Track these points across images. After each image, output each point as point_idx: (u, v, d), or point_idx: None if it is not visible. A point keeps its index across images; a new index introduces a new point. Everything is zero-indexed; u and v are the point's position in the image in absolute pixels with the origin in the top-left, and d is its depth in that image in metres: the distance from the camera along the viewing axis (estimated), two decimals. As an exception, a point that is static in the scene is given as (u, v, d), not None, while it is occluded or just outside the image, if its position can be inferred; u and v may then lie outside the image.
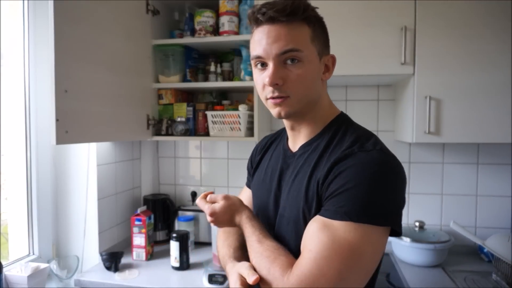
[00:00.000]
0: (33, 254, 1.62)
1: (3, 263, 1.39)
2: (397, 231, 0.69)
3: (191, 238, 1.74)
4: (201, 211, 1.86)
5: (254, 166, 1.01)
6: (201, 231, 1.85)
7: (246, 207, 0.85)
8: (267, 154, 0.97)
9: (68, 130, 1.18)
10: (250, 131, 1.65)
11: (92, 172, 1.62)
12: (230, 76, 1.73)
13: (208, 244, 1.80)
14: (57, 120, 1.14)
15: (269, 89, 0.74)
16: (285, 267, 0.68)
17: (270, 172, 0.90)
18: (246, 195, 1.04)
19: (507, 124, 1.36)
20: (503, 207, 1.69)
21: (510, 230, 1.63)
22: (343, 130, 0.77)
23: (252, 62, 0.78)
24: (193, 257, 1.62)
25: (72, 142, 1.22)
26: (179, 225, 1.79)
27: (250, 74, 1.61)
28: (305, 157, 0.80)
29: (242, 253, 0.85)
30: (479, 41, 1.36)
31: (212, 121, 1.66)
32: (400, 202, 0.70)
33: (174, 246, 1.54)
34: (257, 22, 0.74)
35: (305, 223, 0.73)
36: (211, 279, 1.40)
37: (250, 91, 1.74)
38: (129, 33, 1.52)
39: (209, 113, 1.66)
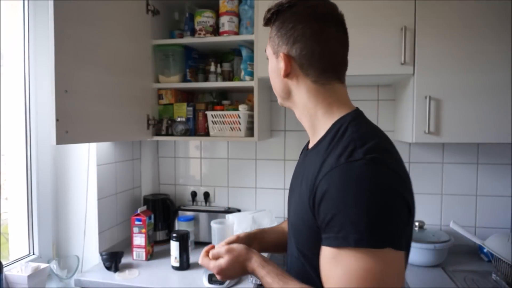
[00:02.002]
0: (33, 254, 1.62)
1: (3, 263, 1.39)
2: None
3: (191, 238, 1.74)
4: (201, 211, 1.87)
5: None
6: (201, 231, 1.85)
7: (254, 253, 0.80)
8: (300, 156, 0.95)
9: (68, 130, 1.18)
10: (250, 131, 1.65)
11: (92, 172, 1.62)
12: (230, 76, 1.73)
13: (208, 244, 1.80)
14: (57, 120, 1.14)
15: None
16: None
17: (293, 175, 0.89)
18: None
19: (507, 124, 1.36)
20: (503, 207, 1.69)
21: (510, 230, 1.63)
22: (342, 131, 0.71)
23: None
24: (193, 257, 1.62)
25: (72, 142, 1.22)
26: (179, 225, 1.79)
27: (250, 74, 1.62)
28: (308, 160, 0.78)
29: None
30: (479, 41, 1.36)
31: (212, 121, 1.66)
32: (394, 220, 0.61)
33: (174, 246, 1.54)
34: None
35: (303, 233, 0.73)
36: (211, 279, 1.40)
37: (250, 91, 1.74)
38: (129, 33, 1.52)
39: (209, 113, 1.67)
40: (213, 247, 0.84)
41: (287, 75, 0.77)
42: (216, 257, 0.81)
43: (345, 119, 0.73)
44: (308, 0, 0.76)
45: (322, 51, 0.73)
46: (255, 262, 0.78)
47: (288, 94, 0.80)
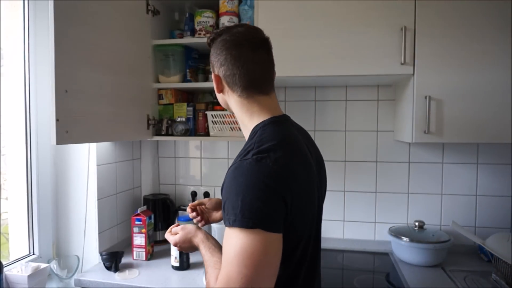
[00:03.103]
0: (34, 254, 1.62)
1: (4, 262, 1.39)
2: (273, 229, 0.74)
3: (191, 238, 1.74)
4: (201, 211, 1.88)
5: None
6: (201, 231, 1.85)
7: (200, 230, 1.00)
8: None
9: (68, 130, 1.18)
10: (250, 131, 1.65)
11: (92, 172, 1.62)
12: (230, 76, 1.73)
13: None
14: (57, 120, 1.14)
15: None
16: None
17: None
18: None
19: (507, 124, 1.36)
20: (502, 207, 1.69)
21: (510, 230, 1.63)
22: (252, 134, 0.87)
23: None
24: (193, 257, 1.62)
25: (72, 142, 1.22)
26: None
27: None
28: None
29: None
30: (479, 41, 1.36)
31: (212, 121, 1.66)
32: (263, 206, 0.72)
33: (174, 246, 1.55)
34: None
35: None
36: (211, 279, 1.40)
37: (250, 91, 1.73)
38: (129, 33, 1.52)
39: (209, 113, 1.67)
40: (177, 225, 1.07)
41: (220, 91, 0.94)
42: (174, 234, 1.04)
43: (259, 126, 0.87)
44: (233, 28, 0.90)
45: (241, 73, 0.87)
46: (199, 239, 0.97)
47: (226, 104, 0.96)
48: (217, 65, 0.91)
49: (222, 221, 0.83)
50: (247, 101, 0.90)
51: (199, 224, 1.15)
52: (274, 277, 0.74)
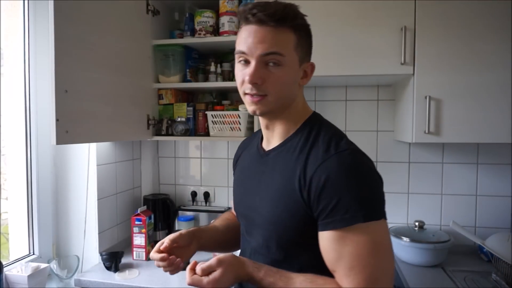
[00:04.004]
0: (34, 254, 1.62)
1: (4, 262, 1.39)
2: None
3: (191, 238, 1.74)
4: (201, 211, 1.87)
5: (234, 166, 1.06)
6: (201, 231, 1.85)
7: (242, 258, 0.79)
8: (244, 154, 1.01)
9: (68, 130, 1.18)
10: (250, 131, 1.65)
11: (92, 172, 1.62)
12: (230, 76, 1.73)
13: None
14: (57, 120, 1.14)
15: (248, 86, 0.78)
16: None
17: (247, 172, 0.94)
18: None
19: (507, 124, 1.36)
20: (503, 207, 1.69)
21: (510, 230, 1.63)
22: (316, 129, 0.81)
23: (236, 56, 0.81)
24: (193, 257, 1.61)
25: (72, 142, 1.22)
26: (179, 225, 1.79)
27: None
28: (281, 157, 0.83)
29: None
30: (479, 41, 1.36)
31: (212, 121, 1.66)
32: (381, 194, 0.75)
33: (174, 246, 1.54)
34: (247, 21, 0.77)
35: (286, 224, 0.78)
36: (211, 279, 1.40)
37: (250, 91, 1.73)
38: (129, 33, 1.52)
39: (209, 113, 1.67)
40: (195, 263, 0.76)
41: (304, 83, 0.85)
42: (207, 272, 0.74)
43: (313, 120, 0.84)
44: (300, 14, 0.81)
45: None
46: (249, 267, 0.76)
47: (293, 100, 0.84)
48: (310, 53, 0.85)
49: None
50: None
51: (168, 270, 0.88)
52: None
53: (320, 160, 0.74)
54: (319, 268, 0.76)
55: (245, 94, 0.80)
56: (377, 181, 0.75)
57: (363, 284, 0.68)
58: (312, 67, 0.85)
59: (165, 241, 0.87)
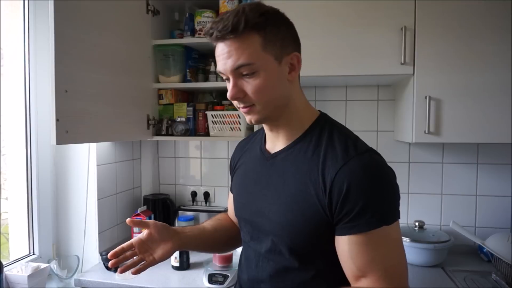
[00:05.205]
0: (34, 254, 1.62)
1: (4, 262, 1.39)
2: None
3: (191, 238, 1.74)
4: (201, 211, 1.87)
5: (233, 169, 1.01)
6: (201, 231, 1.85)
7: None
8: (245, 158, 0.96)
9: (68, 130, 1.18)
10: (250, 131, 1.65)
11: (92, 172, 1.62)
12: (230, 76, 1.72)
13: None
14: (57, 120, 1.14)
15: (234, 101, 0.79)
16: None
17: (251, 176, 0.89)
18: (231, 201, 1.03)
19: (507, 124, 1.36)
20: (502, 207, 1.69)
21: (510, 230, 1.63)
22: (328, 130, 0.80)
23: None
24: (193, 257, 1.62)
25: (72, 142, 1.22)
26: (179, 225, 1.79)
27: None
28: (291, 160, 0.80)
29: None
30: (479, 41, 1.36)
31: (212, 121, 1.66)
32: (399, 194, 0.77)
33: (174, 246, 1.54)
34: (212, 40, 0.76)
35: (300, 229, 0.76)
36: (211, 279, 1.40)
37: (250, 91, 1.73)
38: (129, 33, 1.52)
39: (209, 113, 1.67)
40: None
41: (293, 77, 0.79)
42: None
43: (322, 121, 0.83)
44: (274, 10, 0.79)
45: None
46: None
47: (288, 100, 0.79)
48: (288, 44, 0.77)
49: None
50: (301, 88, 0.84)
51: (131, 273, 0.95)
52: None
53: (340, 162, 0.72)
54: (335, 273, 0.75)
55: (238, 108, 0.80)
56: (395, 181, 0.75)
57: (401, 284, 0.71)
58: (297, 57, 0.78)
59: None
